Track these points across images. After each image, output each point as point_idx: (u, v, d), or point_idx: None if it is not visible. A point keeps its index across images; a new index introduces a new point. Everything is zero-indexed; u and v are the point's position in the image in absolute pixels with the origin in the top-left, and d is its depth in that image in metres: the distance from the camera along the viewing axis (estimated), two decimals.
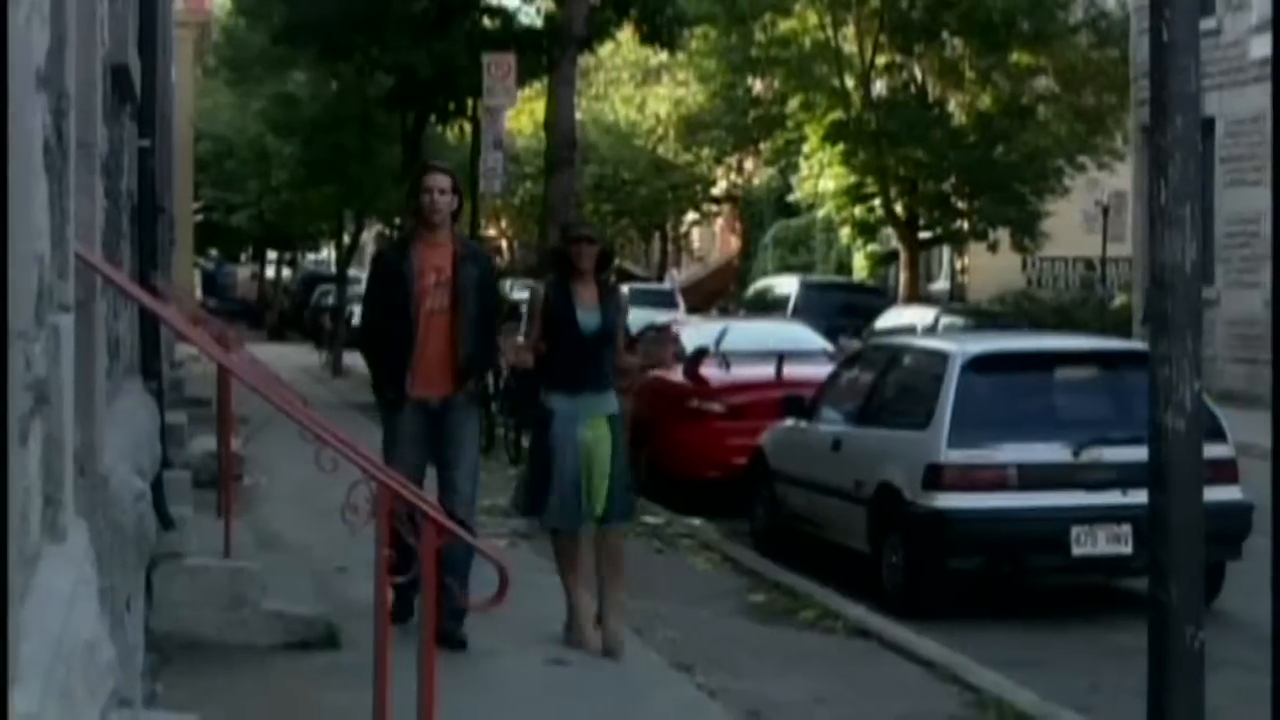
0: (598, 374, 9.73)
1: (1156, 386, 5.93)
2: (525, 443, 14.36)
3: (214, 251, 71.19)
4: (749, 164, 55.50)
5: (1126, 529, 11.45)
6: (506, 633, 9.32)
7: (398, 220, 32.64)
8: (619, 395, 9.92)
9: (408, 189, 9.72)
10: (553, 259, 10.28)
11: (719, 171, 56.69)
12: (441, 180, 9.60)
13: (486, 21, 27.66)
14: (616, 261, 9.79)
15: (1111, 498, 11.50)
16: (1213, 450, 10.88)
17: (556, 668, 9.06)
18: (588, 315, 9.72)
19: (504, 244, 68.00)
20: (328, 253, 68.07)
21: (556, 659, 9.20)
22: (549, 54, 23.03)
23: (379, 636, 6.27)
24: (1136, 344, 13.51)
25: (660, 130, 55.59)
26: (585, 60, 43.52)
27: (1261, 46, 29.29)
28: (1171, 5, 5.88)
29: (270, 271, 69.46)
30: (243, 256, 75.37)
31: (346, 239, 43.31)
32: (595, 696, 8.68)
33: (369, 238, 52.84)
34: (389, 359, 9.63)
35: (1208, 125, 31.07)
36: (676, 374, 17.17)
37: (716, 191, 58.65)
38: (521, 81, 25.10)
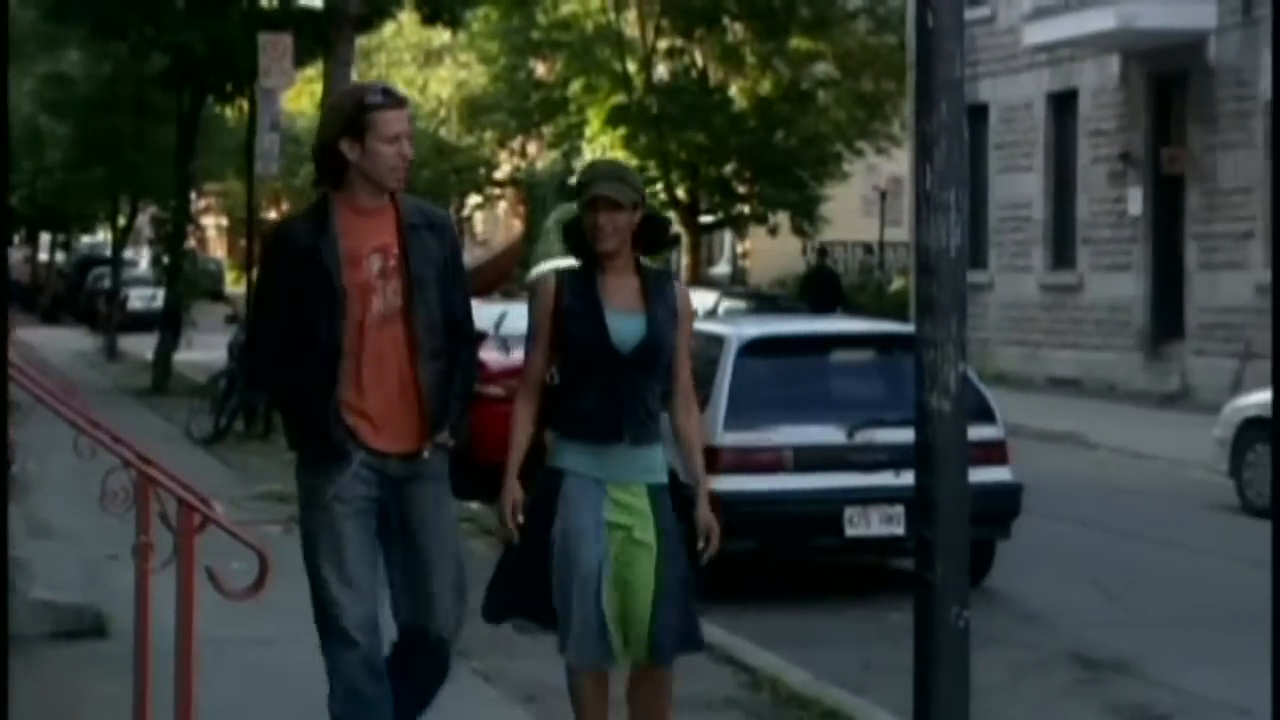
0: (643, 415, 6.39)
1: (922, 369, 5.99)
2: None
3: None
4: (532, 147, 55.34)
5: (899, 509, 11.57)
6: None
7: (172, 203, 31.90)
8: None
9: (336, 123, 6.11)
10: (570, 236, 6.55)
11: (502, 155, 56.50)
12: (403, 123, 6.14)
13: (263, 0, 27.31)
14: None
15: (884, 479, 11.60)
16: (982, 432, 11.14)
17: None
18: (625, 322, 6.38)
19: None
20: (104, 235, 66.97)
21: None
22: (326, 34, 22.79)
23: (140, 625, 6.16)
24: (909, 327, 13.67)
25: (442, 113, 55.24)
26: (366, 41, 43.28)
27: (1034, 34, 29.84)
28: None
29: (44, 254, 68.15)
30: (16, 238, 73.93)
31: (122, 221, 42.60)
32: None
33: (145, 220, 51.96)
34: (308, 392, 6.11)
35: (981, 112, 31.64)
36: None
37: (500, 175, 58.46)
38: (300, 62, 24.80)
